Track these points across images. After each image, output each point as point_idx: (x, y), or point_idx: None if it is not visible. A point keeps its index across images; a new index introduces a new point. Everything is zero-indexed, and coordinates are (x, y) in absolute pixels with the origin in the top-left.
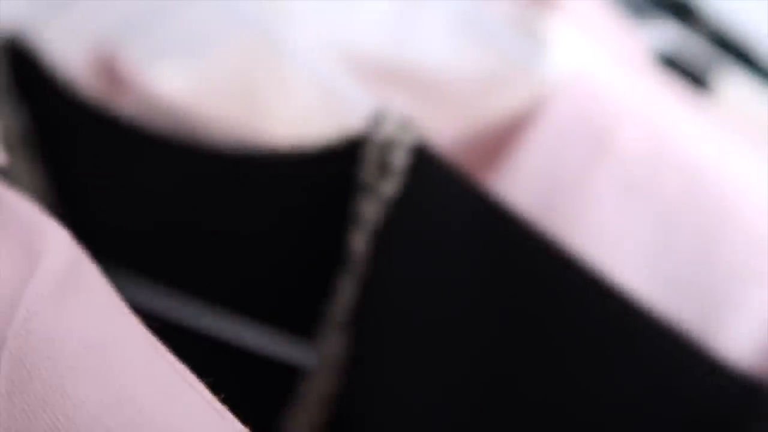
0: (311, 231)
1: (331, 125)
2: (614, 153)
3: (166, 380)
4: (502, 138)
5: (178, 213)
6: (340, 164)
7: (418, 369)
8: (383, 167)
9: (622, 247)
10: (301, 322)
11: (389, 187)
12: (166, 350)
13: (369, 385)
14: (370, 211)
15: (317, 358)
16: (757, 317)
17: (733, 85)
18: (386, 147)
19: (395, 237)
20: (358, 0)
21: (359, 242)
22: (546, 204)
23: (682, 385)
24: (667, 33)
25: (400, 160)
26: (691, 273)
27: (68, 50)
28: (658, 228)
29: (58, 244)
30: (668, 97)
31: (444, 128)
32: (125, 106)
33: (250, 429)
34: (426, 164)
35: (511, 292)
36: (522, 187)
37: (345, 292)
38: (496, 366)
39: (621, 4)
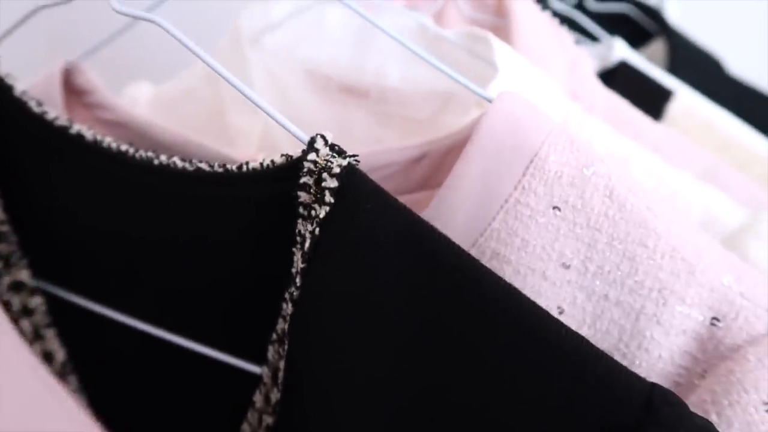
0: (258, 249)
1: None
2: (542, 174)
3: (33, 395)
4: (452, 154)
5: (127, 227)
6: (278, 186)
7: (346, 380)
8: (316, 190)
9: (551, 264)
10: (254, 334)
11: (322, 209)
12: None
13: (302, 394)
14: (307, 231)
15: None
16: (678, 332)
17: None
18: (319, 171)
19: (324, 256)
20: (320, 20)
21: (298, 261)
22: (480, 219)
23: (590, 398)
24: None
25: (331, 183)
26: (618, 291)
27: (27, 61)
28: (585, 247)
29: None
30: (596, 121)
31: (399, 143)
32: (83, 120)
33: None
34: (354, 188)
35: (433, 307)
36: (459, 201)
37: (288, 307)
38: (420, 377)
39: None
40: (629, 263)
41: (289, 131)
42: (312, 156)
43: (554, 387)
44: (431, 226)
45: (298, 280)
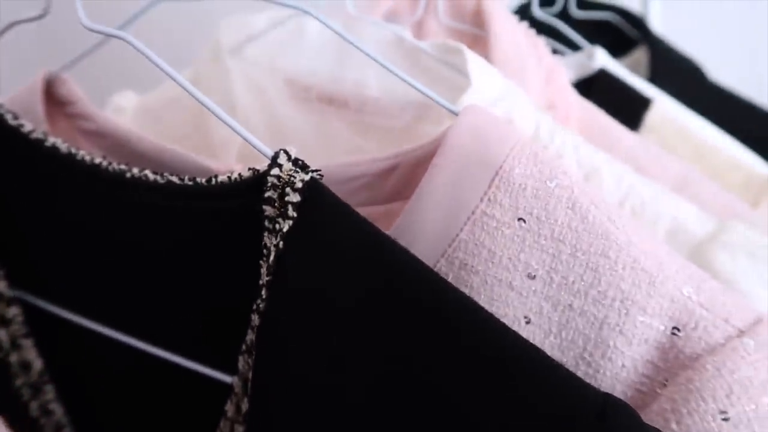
0: (228, 261)
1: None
2: (507, 186)
3: None
4: (422, 165)
5: (101, 238)
6: (245, 200)
7: (310, 391)
8: (280, 204)
9: (518, 274)
10: (226, 344)
11: (285, 223)
12: None
13: (269, 405)
14: (272, 244)
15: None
16: (641, 341)
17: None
18: (282, 186)
19: (288, 269)
20: (300, 31)
21: (264, 273)
22: (449, 230)
23: (544, 408)
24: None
25: (293, 198)
26: (582, 301)
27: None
28: (550, 258)
29: None
30: (567, 131)
31: (371, 155)
32: (65, 130)
33: None
34: (316, 202)
35: (394, 320)
36: (428, 212)
37: (256, 319)
38: (381, 387)
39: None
40: (592, 274)
41: (254, 146)
42: (275, 171)
43: (509, 398)
44: (392, 240)
45: (263, 292)
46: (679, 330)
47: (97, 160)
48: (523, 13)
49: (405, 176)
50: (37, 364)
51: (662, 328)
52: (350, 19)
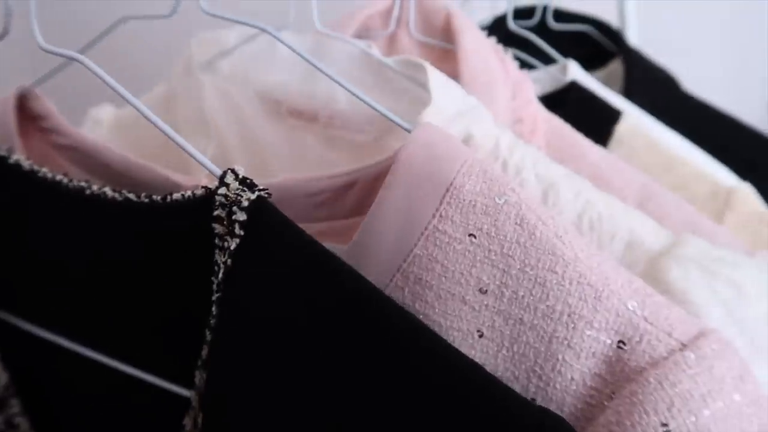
0: (183, 277)
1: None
2: (458, 202)
3: None
4: (380, 181)
5: (62, 254)
6: (198, 218)
7: (258, 403)
8: (228, 222)
9: (470, 289)
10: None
11: (233, 241)
12: None
13: (223, 419)
14: (221, 262)
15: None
16: (588, 355)
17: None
18: (230, 204)
19: (236, 286)
20: (272, 45)
21: (215, 290)
22: (404, 245)
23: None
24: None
25: (240, 216)
26: (532, 315)
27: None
28: (501, 273)
29: None
30: (527, 146)
31: (331, 171)
32: (38, 144)
33: None
34: (262, 220)
35: (339, 336)
36: (383, 228)
37: (208, 335)
38: (329, 402)
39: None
40: (541, 289)
41: (203, 165)
42: (222, 190)
43: (448, 415)
44: (336, 257)
45: (214, 308)
46: (624, 343)
47: (58, 177)
48: (500, 25)
49: (363, 192)
50: (3, 377)
51: (609, 341)
52: (320, 35)
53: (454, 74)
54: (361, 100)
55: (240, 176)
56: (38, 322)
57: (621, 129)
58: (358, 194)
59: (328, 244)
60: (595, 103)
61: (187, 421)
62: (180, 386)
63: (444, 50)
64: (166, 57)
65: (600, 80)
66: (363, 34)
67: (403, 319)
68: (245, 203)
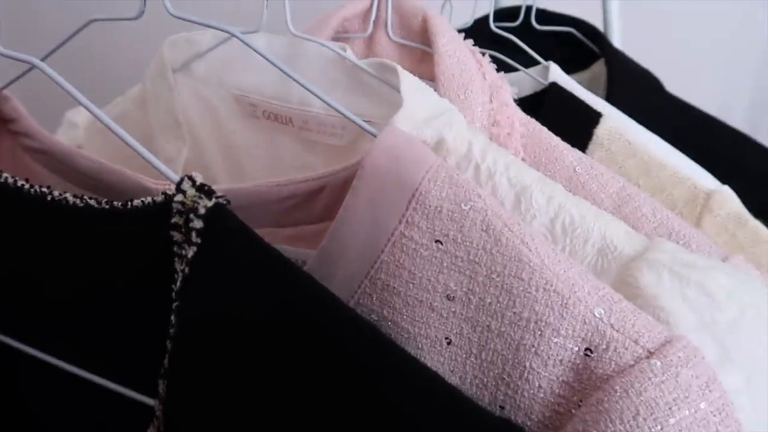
0: (146, 285)
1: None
2: (424, 208)
3: None
4: (348, 186)
5: (26, 261)
6: (157, 224)
7: (217, 413)
8: (186, 230)
9: (437, 296)
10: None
11: (190, 249)
12: None
13: (179, 427)
14: (180, 270)
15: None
16: (556, 362)
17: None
18: (187, 212)
19: (194, 295)
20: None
21: (173, 300)
22: (371, 252)
23: None
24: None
25: (197, 224)
26: (499, 322)
27: None
28: (467, 280)
29: None
30: (500, 150)
31: (300, 176)
32: (8, 147)
33: None
34: (219, 228)
35: (296, 345)
36: (350, 234)
37: (168, 344)
38: (287, 415)
39: None
40: (507, 295)
41: (160, 171)
42: (179, 197)
43: (407, 426)
44: (294, 266)
45: (172, 317)
46: (591, 351)
47: (20, 183)
48: (482, 27)
49: (332, 197)
50: None
51: (576, 349)
52: (295, 37)
53: (434, 76)
54: (330, 105)
55: (197, 183)
56: (5, 330)
57: (601, 131)
58: (327, 199)
59: (299, 250)
60: (574, 104)
61: (152, 431)
62: (145, 395)
63: (424, 52)
64: (135, 59)
65: (583, 82)
66: (341, 36)
67: (362, 329)
68: (202, 210)
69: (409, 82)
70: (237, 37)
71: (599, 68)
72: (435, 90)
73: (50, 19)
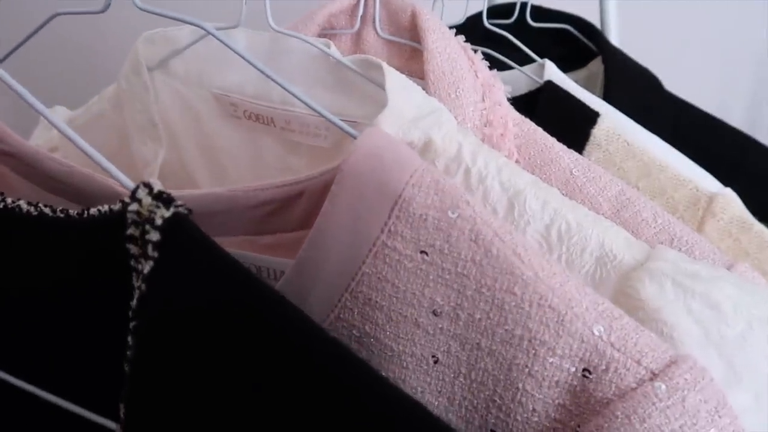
0: (105, 302)
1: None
2: (408, 217)
3: None
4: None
5: None
6: (114, 235)
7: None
8: (142, 243)
9: (423, 311)
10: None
11: (146, 264)
12: None
13: None
14: (137, 287)
15: None
16: (551, 384)
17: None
18: (143, 222)
19: (151, 314)
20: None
21: (130, 319)
22: (351, 263)
23: None
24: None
25: (153, 236)
26: (489, 340)
27: None
28: (455, 294)
29: None
30: (491, 152)
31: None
32: None
33: None
34: (178, 241)
35: (258, 363)
36: (329, 243)
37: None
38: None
39: None
40: (498, 311)
41: (117, 179)
42: (134, 206)
43: None
44: (260, 282)
45: (129, 339)
46: (590, 372)
47: None
48: (475, 24)
49: (311, 203)
50: None
51: (573, 369)
52: (277, 32)
53: (424, 74)
54: (307, 104)
55: (155, 191)
56: None
57: (598, 131)
58: (306, 205)
59: (277, 259)
60: (571, 103)
61: None
62: (108, 418)
63: (413, 49)
64: (102, 54)
65: (580, 80)
66: (327, 32)
67: (339, 354)
68: (159, 221)
69: (394, 80)
70: (210, 33)
71: (596, 66)
72: (425, 89)
73: (12, 12)
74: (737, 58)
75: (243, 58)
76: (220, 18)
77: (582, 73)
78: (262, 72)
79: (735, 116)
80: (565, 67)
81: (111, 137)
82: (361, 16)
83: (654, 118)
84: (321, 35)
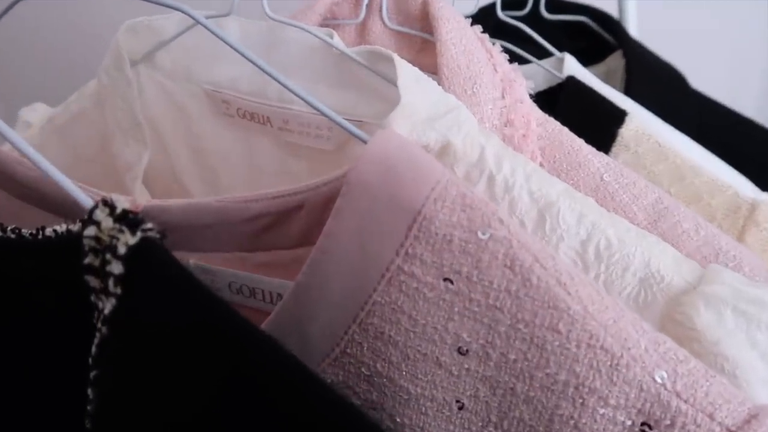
0: (64, 342)
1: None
2: (429, 237)
3: None
4: (331, 205)
5: None
6: (67, 264)
7: None
8: (102, 275)
9: (446, 349)
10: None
11: (108, 302)
12: None
13: None
14: (98, 329)
15: None
16: None
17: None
18: (103, 250)
19: (115, 363)
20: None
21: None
22: (360, 290)
23: None
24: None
25: (115, 268)
26: (526, 384)
27: None
28: (486, 329)
29: None
30: (517, 157)
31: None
32: None
33: None
34: (146, 274)
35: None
36: (333, 267)
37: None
38: None
39: None
40: (538, 352)
41: (71, 194)
42: (91, 230)
43: None
44: (244, 322)
45: (90, 391)
46: (650, 427)
47: None
48: (487, 16)
49: (312, 217)
50: None
51: (629, 423)
52: (274, 21)
53: (437, 68)
54: (308, 102)
55: (117, 211)
56: None
57: (626, 132)
58: (306, 219)
59: (273, 280)
60: (595, 101)
61: None
62: None
63: (424, 40)
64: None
65: (598, 76)
66: (329, 22)
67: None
68: (122, 250)
69: (407, 74)
70: (199, 22)
71: (615, 61)
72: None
73: None
74: (756, 49)
75: (236, 50)
76: (210, 5)
77: (600, 68)
78: (257, 65)
79: (751, 107)
80: (581, 62)
81: (93, 138)
82: (367, 5)
83: (679, 116)
84: (322, 26)
